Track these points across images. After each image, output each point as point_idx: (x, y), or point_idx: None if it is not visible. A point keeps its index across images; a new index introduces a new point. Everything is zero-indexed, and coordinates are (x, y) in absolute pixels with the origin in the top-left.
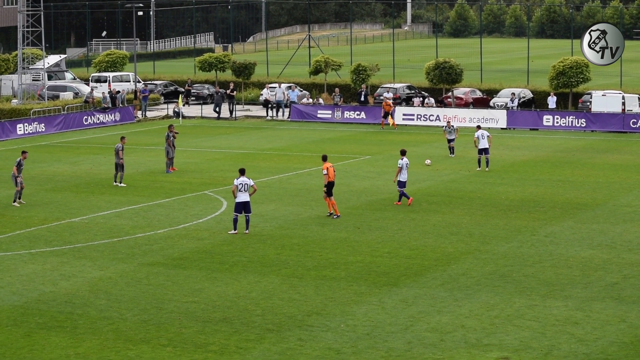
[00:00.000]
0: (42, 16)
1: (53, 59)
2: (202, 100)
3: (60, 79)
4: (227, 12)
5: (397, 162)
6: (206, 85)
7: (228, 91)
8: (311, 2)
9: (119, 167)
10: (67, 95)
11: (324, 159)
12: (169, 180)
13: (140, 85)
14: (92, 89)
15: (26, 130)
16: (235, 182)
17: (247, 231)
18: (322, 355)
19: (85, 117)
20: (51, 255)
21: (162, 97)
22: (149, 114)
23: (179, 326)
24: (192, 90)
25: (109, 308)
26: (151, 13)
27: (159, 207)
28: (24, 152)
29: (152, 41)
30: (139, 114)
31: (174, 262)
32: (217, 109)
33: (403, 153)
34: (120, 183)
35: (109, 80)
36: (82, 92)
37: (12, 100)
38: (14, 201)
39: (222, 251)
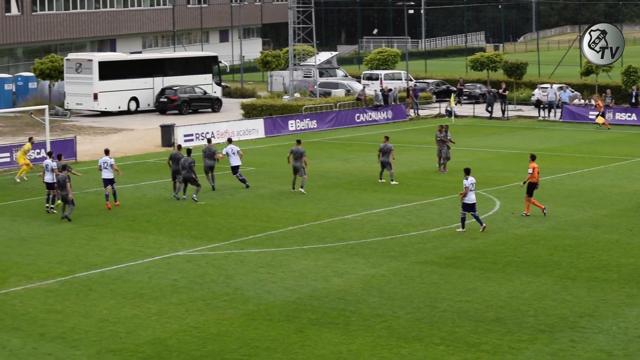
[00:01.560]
0: (312, 13)
1: (324, 55)
2: (473, 99)
3: (331, 76)
4: (497, 12)
5: None
6: (478, 85)
7: (500, 91)
8: (581, 2)
9: (387, 165)
10: (339, 92)
11: (532, 158)
12: (441, 179)
13: (412, 84)
14: (364, 87)
15: (298, 126)
16: (465, 182)
17: (462, 229)
18: (593, 357)
19: (357, 114)
20: (324, 251)
21: (434, 96)
22: (421, 112)
23: (451, 325)
24: (464, 90)
25: (382, 305)
26: (422, 11)
27: (432, 205)
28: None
29: (422, 39)
30: (411, 112)
31: (447, 260)
32: (489, 109)
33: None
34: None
35: (381, 78)
36: (353, 90)
37: (284, 97)
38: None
39: (495, 251)
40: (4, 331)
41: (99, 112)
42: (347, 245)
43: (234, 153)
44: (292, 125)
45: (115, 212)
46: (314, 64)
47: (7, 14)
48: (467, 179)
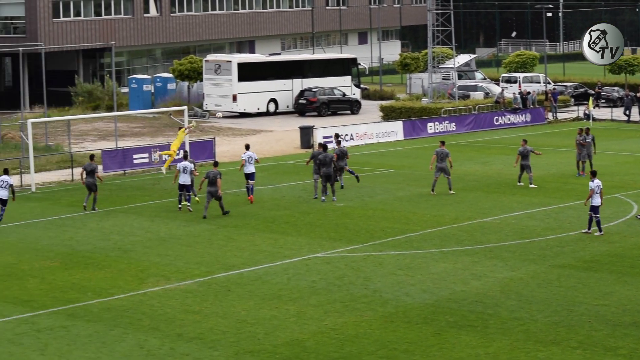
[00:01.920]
0: (452, 15)
1: (463, 58)
2: (611, 103)
3: (470, 79)
4: (635, 15)
5: None
6: (616, 88)
7: (638, 94)
8: None
9: (527, 168)
10: (478, 95)
11: None
12: (580, 183)
13: (550, 87)
14: (502, 90)
15: (436, 129)
16: (591, 185)
17: (599, 233)
18: None
19: (496, 117)
20: (462, 254)
21: (572, 99)
22: (560, 116)
23: (588, 329)
24: (602, 93)
25: (520, 309)
26: (560, 14)
27: (570, 209)
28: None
29: (560, 42)
30: (550, 115)
31: (585, 264)
32: (627, 112)
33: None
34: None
35: (519, 81)
36: (492, 92)
37: (423, 99)
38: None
39: (633, 255)
40: (141, 331)
41: (237, 114)
42: (486, 248)
43: (250, 162)
44: (431, 127)
45: (254, 213)
46: (452, 66)
47: (145, 15)
48: (592, 181)
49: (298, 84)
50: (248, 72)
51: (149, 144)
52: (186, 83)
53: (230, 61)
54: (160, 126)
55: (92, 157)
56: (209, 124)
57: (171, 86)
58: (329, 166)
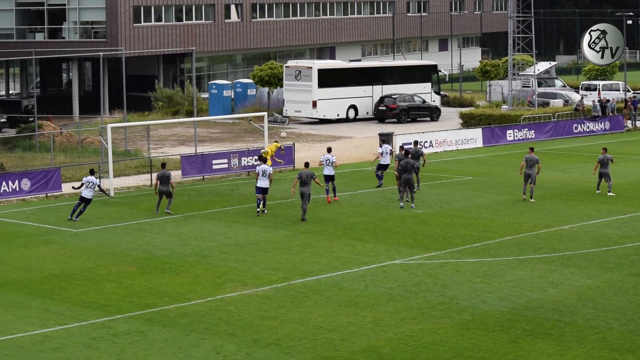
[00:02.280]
0: (532, 22)
1: (543, 65)
2: None
3: (550, 86)
4: None
5: None
6: None
7: None
8: None
9: (606, 176)
10: (557, 103)
11: None
12: None
13: (630, 95)
14: (582, 97)
15: (516, 136)
16: None
17: None
18: None
19: (575, 125)
20: (540, 262)
21: None
22: (639, 124)
23: None
24: None
25: (596, 317)
26: None
27: None
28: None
29: None
30: (629, 123)
31: None
32: None
33: None
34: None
35: (599, 88)
36: (572, 100)
37: (502, 106)
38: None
39: None
40: (218, 337)
41: (317, 120)
42: (563, 256)
43: (328, 164)
44: (510, 135)
45: (332, 220)
46: (532, 73)
47: (226, 21)
48: None
49: (378, 91)
50: (328, 78)
51: (228, 150)
52: (266, 89)
53: (311, 67)
54: (240, 132)
55: (164, 165)
56: (289, 130)
57: (251, 92)
58: (410, 172)
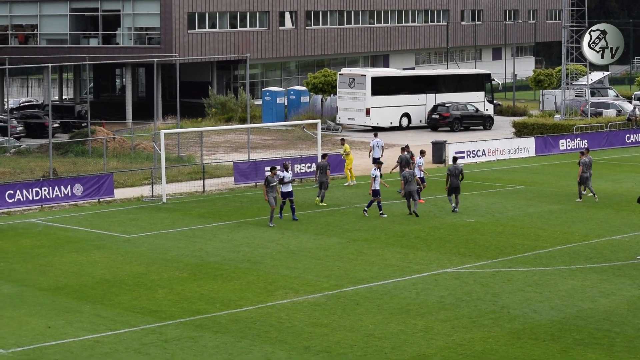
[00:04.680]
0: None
1: (596, 75)
2: None
3: (603, 96)
4: None
5: None
6: None
7: None
8: None
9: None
10: (610, 113)
11: None
12: None
13: None
14: (635, 107)
15: (568, 145)
16: None
17: None
18: None
19: (628, 135)
20: (591, 272)
21: None
22: None
23: None
24: None
25: None
26: None
27: None
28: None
29: None
30: None
31: None
32: None
33: None
34: None
35: None
36: (624, 110)
37: (555, 116)
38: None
39: None
40: (268, 343)
41: (370, 128)
42: (614, 266)
43: (378, 146)
44: (563, 144)
45: (384, 228)
46: (585, 83)
47: (281, 28)
48: None
49: (431, 99)
50: (382, 86)
51: (281, 157)
52: (320, 96)
53: (365, 75)
54: (293, 139)
55: (272, 168)
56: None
57: (305, 99)
58: (456, 177)
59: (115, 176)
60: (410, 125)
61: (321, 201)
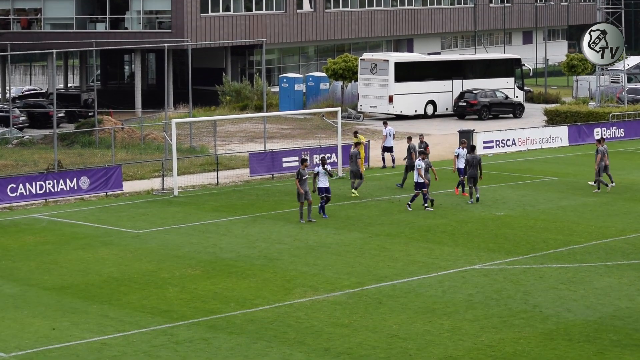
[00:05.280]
0: (622, 15)
1: (633, 60)
2: None
3: None
4: None
5: None
6: None
7: None
8: None
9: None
10: None
11: None
12: None
13: None
14: None
15: (604, 135)
16: None
17: None
18: None
19: None
20: (628, 268)
21: None
22: None
23: None
24: None
25: None
26: None
27: None
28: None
29: None
30: None
31: None
32: None
33: None
34: None
35: None
36: None
37: (590, 103)
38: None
39: None
40: (286, 344)
41: (394, 116)
42: None
43: (390, 135)
44: (598, 133)
45: (409, 222)
46: (622, 68)
47: (299, 11)
48: None
49: (458, 85)
50: (406, 72)
51: (299, 147)
52: (340, 83)
53: (387, 60)
54: (312, 128)
55: (304, 160)
56: (363, 126)
57: (324, 86)
58: (475, 168)
59: (124, 168)
60: (435, 113)
61: (355, 189)
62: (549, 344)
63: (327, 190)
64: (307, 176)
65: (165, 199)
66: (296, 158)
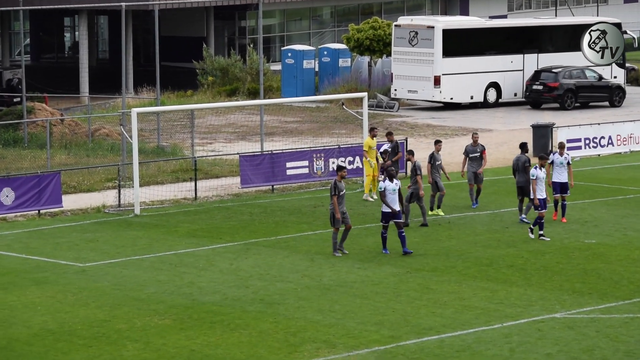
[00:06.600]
0: None
1: None
2: None
3: None
4: None
5: None
6: None
7: None
8: None
9: None
10: None
11: None
12: None
13: None
14: None
15: None
16: None
17: None
18: None
19: None
20: None
21: None
22: None
23: None
24: None
25: None
26: None
27: None
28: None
29: None
30: None
31: None
32: None
33: None
34: None
35: None
36: None
37: None
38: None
39: None
40: None
41: (441, 104)
42: None
43: None
44: None
45: (462, 252)
46: None
47: None
48: None
49: (531, 62)
50: (458, 44)
51: (309, 147)
52: (366, 58)
53: (433, 27)
54: (327, 121)
55: (340, 168)
56: (399, 119)
57: (344, 62)
58: (522, 174)
59: (64, 176)
60: (499, 100)
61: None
62: None
63: (399, 215)
64: (344, 191)
65: (123, 219)
66: (304, 163)
